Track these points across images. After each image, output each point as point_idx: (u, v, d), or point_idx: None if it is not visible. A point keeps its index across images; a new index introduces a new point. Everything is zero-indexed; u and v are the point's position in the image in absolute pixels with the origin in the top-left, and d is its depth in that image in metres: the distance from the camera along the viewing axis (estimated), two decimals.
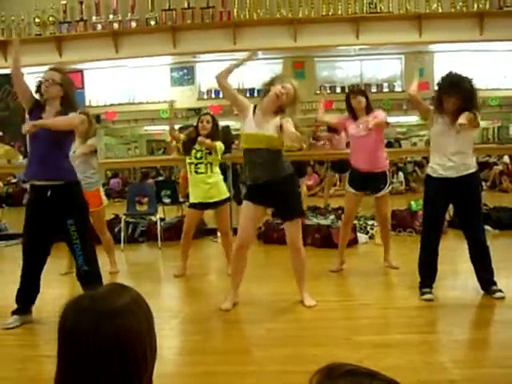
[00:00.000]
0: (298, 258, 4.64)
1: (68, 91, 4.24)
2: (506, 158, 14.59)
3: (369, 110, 5.61)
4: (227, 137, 12.52)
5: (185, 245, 5.89)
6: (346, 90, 11.04)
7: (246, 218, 4.52)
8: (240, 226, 4.55)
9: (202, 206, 5.77)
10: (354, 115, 5.64)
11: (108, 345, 1.19)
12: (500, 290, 4.43)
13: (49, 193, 4.15)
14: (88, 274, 4.37)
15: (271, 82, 4.41)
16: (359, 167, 5.57)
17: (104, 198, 6.55)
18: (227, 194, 5.92)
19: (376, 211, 6.02)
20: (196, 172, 5.70)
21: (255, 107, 4.47)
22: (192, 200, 5.82)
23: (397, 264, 5.79)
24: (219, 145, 5.67)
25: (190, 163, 5.73)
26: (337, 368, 1.02)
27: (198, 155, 5.70)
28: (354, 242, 7.05)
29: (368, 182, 5.55)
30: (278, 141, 4.29)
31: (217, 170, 5.82)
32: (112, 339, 1.20)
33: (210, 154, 5.69)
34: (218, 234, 8.03)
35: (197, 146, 5.69)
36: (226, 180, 10.73)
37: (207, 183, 5.68)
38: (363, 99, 5.58)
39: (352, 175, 5.71)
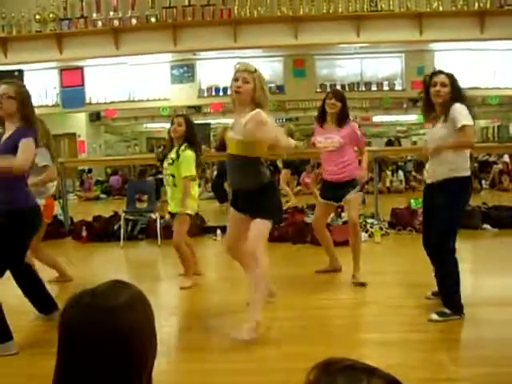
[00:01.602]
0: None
1: (23, 104, 3.81)
2: (506, 157, 14.59)
3: (341, 119, 5.24)
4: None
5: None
6: (347, 89, 11.09)
7: (228, 222, 4.40)
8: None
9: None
10: (322, 120, 5.32)
11: (108, 340, 1.20)
12: (440, 313, 4.09)
13: None
14: None
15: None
16: (327, 178, 5.43)
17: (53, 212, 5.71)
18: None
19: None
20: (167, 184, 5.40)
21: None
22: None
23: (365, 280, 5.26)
24: (184, 159, 5.21)
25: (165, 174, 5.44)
26: (334, 363, 1.01)
27: (166, 165, 5.37)
28: None
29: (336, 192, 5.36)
30: (249, 145, 3.90)
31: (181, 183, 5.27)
32: (112, 335, 1.20)
33: (171, 164, 5.28)
34: (218, 231, 8.05)
35: (170, 154, 5.35)
36: (224, 178, 10.77)
37: (171, 199, 5.36)
38: (338, 104, 5.18)
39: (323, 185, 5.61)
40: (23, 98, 3.83)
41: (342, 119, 5.21)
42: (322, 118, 5.32)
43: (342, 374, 0.99)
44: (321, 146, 5.30)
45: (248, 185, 3.98)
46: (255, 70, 3.90)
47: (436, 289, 4.43)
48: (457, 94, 4.08)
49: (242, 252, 4.18)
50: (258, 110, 3.80)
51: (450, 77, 4.13)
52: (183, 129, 5.28)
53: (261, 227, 3.94)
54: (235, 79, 3.87)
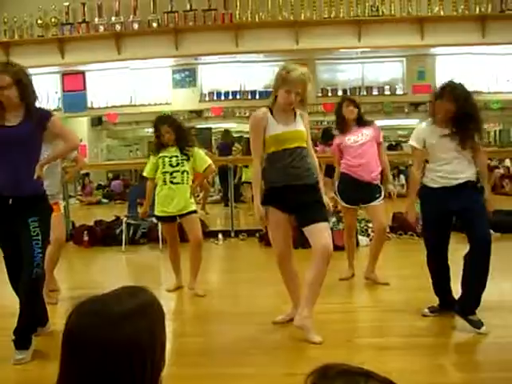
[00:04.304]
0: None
1: (24, 90, 3.68)
2: (508, 162, 14.58)
3: (360, 121, 5.55)
4: (227, 139, 12.67)
5: (171, 256, 5.66)
6: (348, 93, 11.09)
7: (274, 228, 4.14)
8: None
9: (169, 219, 5.41)
10: (342, 126, 5.57)
11: (112, 349, 1.18)
12: (482, 323, 3.98)
13: (10, 201, 3.73)
14: (37, 279, 3.73)
15: (279, 84, 3.97)
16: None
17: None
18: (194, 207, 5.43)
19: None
20: (172, 182, 5.25)
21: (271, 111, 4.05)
22: (159, 213, 5.42)
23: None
24: (199, 154, 5.44)
25: (165, 172, 5.27)
26: (331, 368, 1.02)
27: (174, 162, 5.29)
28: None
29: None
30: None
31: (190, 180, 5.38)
32: (116, 344, 1.18)
33: (188, 160, 5.30)
34: (220, 236, 8.06)
35: (167, 153, 5.31)
36: (225, 180, 10.82)
37: (181, 195, 5.25)
38: (355, 110, 5.50)
39: None
40: (22, 80, 3.70)
41: (362, 122, 5.54)
42: (341, 124, 5.58)
43: (339, 378, 0.99)
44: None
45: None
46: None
47: (434, 304, 4.41)
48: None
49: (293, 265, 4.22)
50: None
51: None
52: (173, 133, 5.27)
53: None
54: (288, 91, 3.93)
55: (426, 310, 4.37)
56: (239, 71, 11.20)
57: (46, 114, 3.79)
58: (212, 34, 10.52)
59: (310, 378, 1.01)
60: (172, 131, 5.27)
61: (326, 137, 8.99)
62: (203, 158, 5.43)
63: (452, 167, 4.12)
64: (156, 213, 5.42)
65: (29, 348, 3.71)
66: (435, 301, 4.42)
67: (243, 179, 11.65)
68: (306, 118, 4.16)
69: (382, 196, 5.42)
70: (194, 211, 5.38)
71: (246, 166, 11.42)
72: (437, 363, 3.41)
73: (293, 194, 3.95)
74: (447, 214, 4.20)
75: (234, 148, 12.16)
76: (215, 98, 11.50)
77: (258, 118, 4.02)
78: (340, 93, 11.13)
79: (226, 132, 13.05)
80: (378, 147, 5.55)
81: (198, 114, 13.74)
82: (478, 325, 3.93)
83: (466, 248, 4.07)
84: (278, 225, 4.04)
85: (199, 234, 5.37)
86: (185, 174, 5.25)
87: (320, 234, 3.85)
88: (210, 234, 8.19)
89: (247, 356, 3.67)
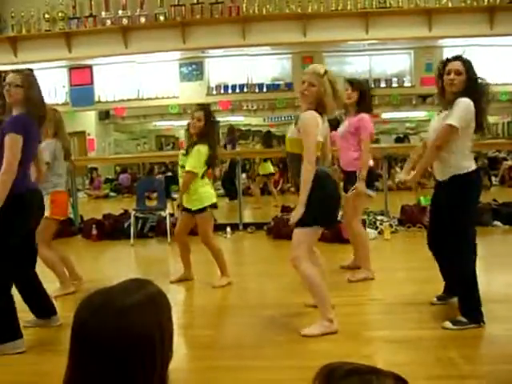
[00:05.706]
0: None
1: (29, 92, 3.87)
2: None
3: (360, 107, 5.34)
4: (233, 134, 12.69)
5: (179, 247, 5.66)
6: None
7: None
8: None
9: (187, 211, 5.36)
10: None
11: (119, 342, 1.18)
12: (455, 322, 3.91)
13: None
14: None
15: None
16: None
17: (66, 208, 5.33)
18: (203, 204, 5.28)
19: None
20: (181, 177, 5.38)
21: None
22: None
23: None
24: (195, 153, 5.15)
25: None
26: (336, 369, 0.99)
27: (180, 158, 5.42)
28: None
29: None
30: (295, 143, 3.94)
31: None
32: (124, 336, 1.19)
33: (184, 155, 5.27)
34: (228, 229, 8.07)
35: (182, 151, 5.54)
36: (233, 175, 10.84)
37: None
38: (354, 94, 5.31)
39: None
40: (30, 86, 3.89)
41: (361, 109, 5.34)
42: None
43: (349, 378, 0.97)
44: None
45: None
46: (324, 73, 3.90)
47: (441, 293, 4.41)
48: (471, 83, 3.83)
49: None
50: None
51: (466, 63, 3.86)
52: (203, 124, 5.19)
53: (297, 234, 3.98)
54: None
55: (434, 299, 4.40)
56: (246, 64, 11.18)
57: (5, 129, 3.76)
58: (219, 27, 10.50)
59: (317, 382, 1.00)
60: (203, 119, 5.19)
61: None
62: (191, 161, 5.15)
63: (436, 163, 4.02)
64: None
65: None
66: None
67: (261, 172, 11.72)
68: (302, 119, 3.89)
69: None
70: (202, 209, 5.27)
71: (265, 160, 11.54)
72: (446, 356, 3.40)
73: None
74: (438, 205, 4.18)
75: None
76: (222, 91, 11.48)
77: None
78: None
79: (231, 127, 13.15)
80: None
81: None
82: (457, 324, 3.88)
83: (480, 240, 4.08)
84: None
85: (201, 234, 5.43)
86: (182, 168, 5.32)
87: None
88: (218, 227, 8.19)
89: (257, 349, 3.68)
